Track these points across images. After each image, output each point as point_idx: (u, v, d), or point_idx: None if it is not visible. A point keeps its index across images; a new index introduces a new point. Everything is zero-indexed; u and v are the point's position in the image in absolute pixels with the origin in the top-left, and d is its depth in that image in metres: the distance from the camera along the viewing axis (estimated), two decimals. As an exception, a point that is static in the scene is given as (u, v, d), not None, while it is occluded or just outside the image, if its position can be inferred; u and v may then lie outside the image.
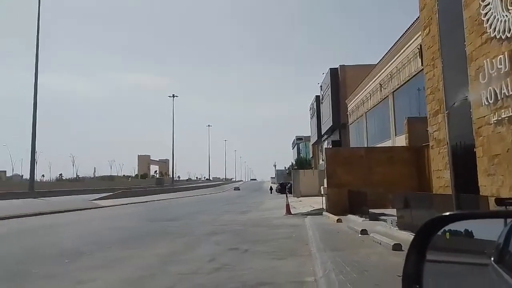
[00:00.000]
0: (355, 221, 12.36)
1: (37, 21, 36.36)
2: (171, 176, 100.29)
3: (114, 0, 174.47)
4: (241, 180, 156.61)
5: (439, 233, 1.21)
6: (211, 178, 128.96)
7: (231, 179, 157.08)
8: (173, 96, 77.74)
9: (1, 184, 52.58)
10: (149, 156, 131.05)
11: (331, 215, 14.43)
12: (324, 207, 16.81)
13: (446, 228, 1.21)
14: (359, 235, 9.49)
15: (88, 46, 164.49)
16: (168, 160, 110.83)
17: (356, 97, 29.59)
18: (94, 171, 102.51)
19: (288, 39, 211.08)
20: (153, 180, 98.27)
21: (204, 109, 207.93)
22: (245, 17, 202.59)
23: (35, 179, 42.70)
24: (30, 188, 37.57)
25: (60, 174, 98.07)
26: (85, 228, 15.39)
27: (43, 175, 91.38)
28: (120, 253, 8.70)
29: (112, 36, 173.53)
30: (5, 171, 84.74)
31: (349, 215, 14.15)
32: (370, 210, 12.77)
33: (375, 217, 12.24)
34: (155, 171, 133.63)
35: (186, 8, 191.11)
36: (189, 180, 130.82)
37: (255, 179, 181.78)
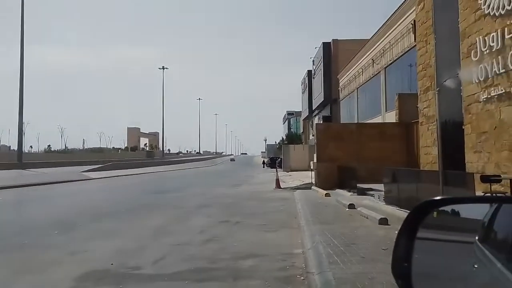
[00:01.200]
0: (344, 196, 12.58)
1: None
2: (161, 149, 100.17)
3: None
4: (231, 154, 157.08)
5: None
6: (201, 152, 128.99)
7: (222, 153, 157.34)
8: (163, 68, 76.47)
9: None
10: (139, 128, 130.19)
11: (320, 190, 14.64)
12: (313, 182, 17.03)
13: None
14: (347, 209, 9.68)
15: (79, 18, 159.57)
16: (158, 133, 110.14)
17: (348, 72, 29.48)
18: (83, 143, 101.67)
19: (284, 10, 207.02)
20: (143, 153, 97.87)
21: (195, 82, 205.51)
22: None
23: (23, 150, 42.20)
24: (19, 159, 37.21)
25: (49, 146, 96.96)
26: (76, 199, 15.43)
27: (31, 146, 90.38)
28: (112, 225, 8.79)
29: (102, 6, 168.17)
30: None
31: (337, 189, 14.39)
32: (358, 184, 12.99)
33: (363, 192, 12.47)
34: (145, 144, 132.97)
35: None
36: (179, 153, 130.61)
37: (246, 153, 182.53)
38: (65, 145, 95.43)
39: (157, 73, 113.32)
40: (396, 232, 1.24)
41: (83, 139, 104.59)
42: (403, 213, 7.10)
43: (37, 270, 5.14)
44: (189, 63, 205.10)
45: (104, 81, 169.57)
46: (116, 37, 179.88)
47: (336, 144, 16.22)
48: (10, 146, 75.90)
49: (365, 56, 24.67)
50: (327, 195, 13.15)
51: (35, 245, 6.68)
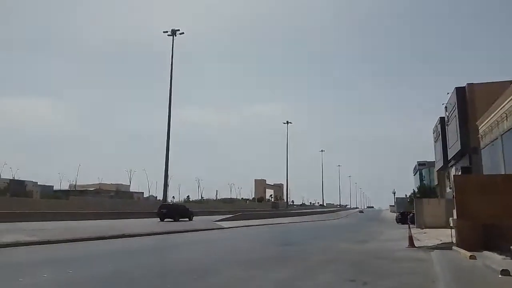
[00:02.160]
0: (493, 259, 10.89)
1: (170, 71, 41.81)
2: (286, 200, 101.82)
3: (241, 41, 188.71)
4: (356, 208, 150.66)
5: None
6: (325, 204, 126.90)
7: (346, 205, 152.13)
8: (287, 122, 79.94)
9: (140, 204, 59.94)
10: (265, 180, 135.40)
11: (462, 251, 12.96)
12: (453, 241, 15.17)
13: None
14: (500, 275, 8.34)
15: (213, 82, 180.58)
16: (282, 184, 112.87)
17: (488, 118, 26.46)
18: (216, 194, 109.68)
19: (405, 57, 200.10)
20: (269, 204, 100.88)
21: (318, 134, 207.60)
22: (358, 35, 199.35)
23: (167, 200, 47.60)
24: (163, 208, 42.00)
25: (188, 196, 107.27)
26: (211, 247, 16.55)
27: (173, 197, 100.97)
28: (243, 274, 9.19)
29: (228, 69, 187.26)
30: (143, 193, 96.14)
31: (484, 251, 12.54)
32: (512, 247, 11.13)
33: (518, 256, 10.62)
34: (270, 195, 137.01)
35: (290, 33, 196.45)
36: (303, 205, 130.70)
37: (373, 207, 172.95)
38: (201, 195, 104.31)
39: (282, 128, 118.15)
40: None
41: (216, 190, 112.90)
42: None
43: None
44: (312, 115, 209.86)
45: (233, 136, 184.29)
46: (244, 96, 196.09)
47: (479, 199, 14.38)
48: (157, 197, 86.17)
49: (509, 100, 21.95)
50: (472, 257, 11.55)
51: (177, 288, 7.33)
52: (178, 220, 33.75)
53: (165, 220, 34.10)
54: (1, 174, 76.43)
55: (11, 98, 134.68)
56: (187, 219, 35.06)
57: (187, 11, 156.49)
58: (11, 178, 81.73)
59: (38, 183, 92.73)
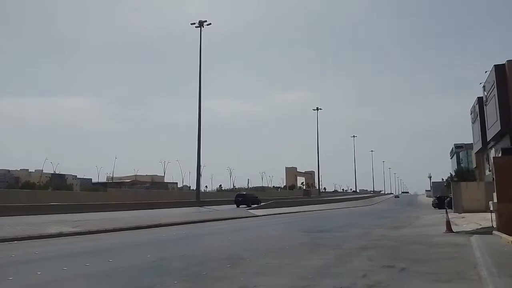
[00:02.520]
0: (538, 244, 10.40)
1: (199, 62, 42.14)
2: (317, 187, 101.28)
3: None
4: (391, 193, 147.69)
5: None
6: (357, 190, 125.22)
7: (380, 191, 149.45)
8: (317, 109, 79.09)
9: (174, 194, 61.38)
10: (296, 168, 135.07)
11: (503, 235, 12.44)
12: (494, 225, 14.60)
13: None
14: (545, 261, 7.97)
15: (241, 71, 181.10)
16: (314, 172, 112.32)
17: (531, 96, 25.04)
18: (248, 182, 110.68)
19: (438, 34, 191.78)
20: (300, 191, 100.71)
21: (349, 120, 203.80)
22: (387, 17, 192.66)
23: (200, 189, 48.44)
24: (197, 198, 42.92)
25: (220, 185, 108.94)
26: (244, 235, 16.74)
27: (206, 186, 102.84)
28: (277, 261, 9.24)
29: (256, 58, 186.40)
30: (177, 183, 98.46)
31: (529, 236, 11.99)
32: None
33: None
34: (302, 183, 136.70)
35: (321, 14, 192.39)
36: (335, 192, 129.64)
37: (408, 192, 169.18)
38: (233, 184, 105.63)
39: (312, 115, 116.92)
40: None
41: (248, 179, 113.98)
42: None
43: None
44: (343, 101, 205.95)
45: (263, 124, 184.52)
46: (273, 84, 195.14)
47: (522, 181, 13.71)
48: (190, 186, 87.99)
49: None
50: (514, 242, 11.08)
51: (212, 277, 7.46)
52: (250, 206, 38.75)
53: (240, 206, 40.11)
54: (44, 169, 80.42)
55: (48, 97, 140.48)
56: (257, 205, 39.27)
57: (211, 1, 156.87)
58: (53, 172, 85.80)
59: (78, 177, 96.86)
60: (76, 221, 18.99)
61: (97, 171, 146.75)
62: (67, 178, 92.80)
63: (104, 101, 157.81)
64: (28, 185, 69.62)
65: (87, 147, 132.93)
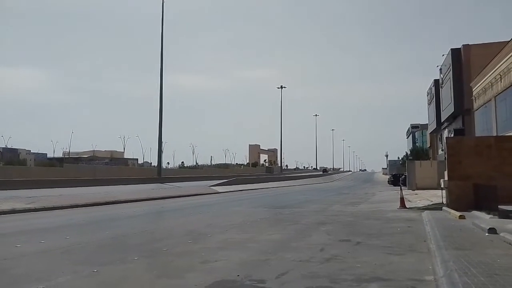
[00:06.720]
0: (481, 218, 11.17)
1: (160, 37, 40.41)
2: (280, 165, 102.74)
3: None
4: (349, 170, 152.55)
5: None
6: (318, 168, 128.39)
7: (339, 169, 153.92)
8: (281, 87, 79.24)
9: (134, 171, 60.17)
10: (259, 145, 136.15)
11: (452, 211, 13.26)
12: (444, 202, 15.50)
13: None
14: (487, 234, 8.58)
15: (206, 48, 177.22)
16: (277, 149, 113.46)
17: (483, 80, 26.34)
18: (211, 160, 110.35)
19: (400, 18, 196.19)
20: (263, 168, 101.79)
21: (312, 98, 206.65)
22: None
23: (162, 166, 47.72)
24: (158, 174, 42.27)
25: (182, 162, 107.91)
26: (206, 211, 16.78)
27: (168, 163, 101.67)
28: (238, 236, 9.37)
29: (221, 35, 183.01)
30: (137, 159, 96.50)
31: (473, 211, 12.85)
32: (499, 206, 11.40)
33: (506, 215, 10.91)
34: (265, 160, 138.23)
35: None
36: (296, 169, 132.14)
37: (365, 170, 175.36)
38: (196, 161, 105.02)
39: (276, 93, 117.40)
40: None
41: (211, 156, 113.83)
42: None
43: (174, 276, 5.74)
44: (306, 79, 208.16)
45: (227, 101, 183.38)
46: (238, 62, 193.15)
47: (470, 160, 14.58)
48: (151, 163, 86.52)
49: (504, 60, 21.78)
50: (461, 217, 11.83)
51: (173, 253, 7.45)
52: None
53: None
54: (-6, 143, 75.94)
55: (2, 68, 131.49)
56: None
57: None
58: (4, 146, 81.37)
59: (32, 151, 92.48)
60: (30, 197, 18.22)
61: (52, 146, 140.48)
62: (20, 152, 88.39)
63: (60, 73, 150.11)
64: (-24, 160, 65.70)
65: (41, 121, 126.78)
